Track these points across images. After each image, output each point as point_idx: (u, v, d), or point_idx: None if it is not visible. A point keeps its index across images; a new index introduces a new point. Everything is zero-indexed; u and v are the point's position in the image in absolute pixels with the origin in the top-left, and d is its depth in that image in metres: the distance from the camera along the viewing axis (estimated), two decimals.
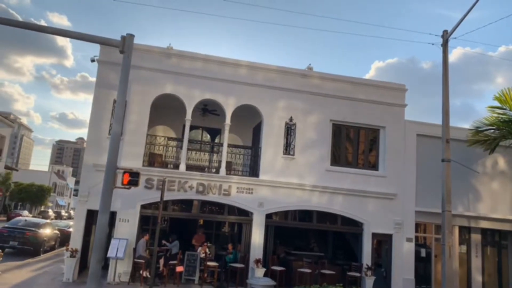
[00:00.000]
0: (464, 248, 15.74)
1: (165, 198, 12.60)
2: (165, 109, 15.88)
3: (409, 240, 14.73)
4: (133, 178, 9.09)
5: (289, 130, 14.55)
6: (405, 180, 15.10)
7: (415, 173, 15.20)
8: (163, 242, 14.02)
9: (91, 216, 13.19)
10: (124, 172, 9.19)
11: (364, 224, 14.60)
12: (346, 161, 15.11)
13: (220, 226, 18.03)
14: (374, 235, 14.60)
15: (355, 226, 14.74)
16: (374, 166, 15.27)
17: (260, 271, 12.83)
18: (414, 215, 14.96)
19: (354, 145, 15.31)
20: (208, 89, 14.16)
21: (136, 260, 12.60)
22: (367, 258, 14.29)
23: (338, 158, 15.09)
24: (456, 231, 15.47)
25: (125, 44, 8.45)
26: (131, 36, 8.52)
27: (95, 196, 11.86)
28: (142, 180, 12.09)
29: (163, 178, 12.18)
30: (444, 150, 11.90)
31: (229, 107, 14.28)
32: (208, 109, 15.89)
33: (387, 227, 14.66)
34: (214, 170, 14.84)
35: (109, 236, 13.43)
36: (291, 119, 14.62)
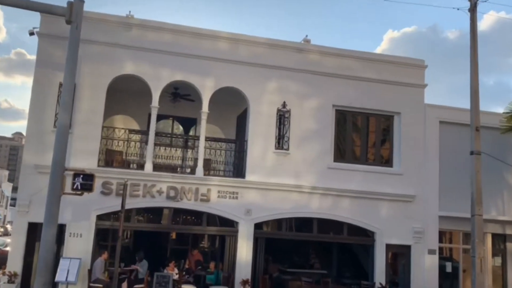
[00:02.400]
0: (498, 260, 15.99)
1: (127, 206, 12.56)
2: (125, 94, 15.80)
3: (431, 252, 14.93)
4: (86, 181, 9.27)
5: (282, 118, 14.69)
6: (425, 178, 15.25)
7: (438, 169, 15.38)
8: (132, 266, 13.96)
9: (34, 230, 12.99)
10: (75, 174, 9.25)
11: (376, 234, 14.79)
12: (352, 156, 15.28)
13: (198, 240, 18.07)
14: (389, 246, 14.81)
15: (365, 236, 14.95)
16: (387, 162, 15.48)
17: None
18: (438, 221, 15.16)
19: (362, 136, 15.48)
20: (180, 68, 14.15)
21: (92, 284, 12.53)
22: (380, 275, 14.50)
23: (343, 152, 15.27)
24: (489, 239, 15.68)
25: (73, 12, 8.39)
26: (80, 2, 8.46)
27: (38, 205, 11.73)
28: (97, 184, 11.84)
29: (125, 181, 12.21)
30: (473, 140, 12.09)
31: (206, 90, 14.34)
32: (179, 93, 15.84)
33: (405, 237, 14.83)
34: (188, 170, 14.91)
35: (57, 255, 13.06)
36: (284, 105, 14.73)
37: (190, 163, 15.32)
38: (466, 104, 13.54)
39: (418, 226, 14.97)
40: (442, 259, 15.34)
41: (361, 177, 14.88)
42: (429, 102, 15.87)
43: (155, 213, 14.37)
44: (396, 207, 14.90)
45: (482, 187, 12.16)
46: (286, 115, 14.68)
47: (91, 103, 13.49)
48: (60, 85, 12.42)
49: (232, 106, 16.64)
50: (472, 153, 12.15)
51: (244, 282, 13.23)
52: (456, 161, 15.26)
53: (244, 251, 13.88)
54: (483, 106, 13.12)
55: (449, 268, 15.43)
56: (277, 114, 14.67)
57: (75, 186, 9.25)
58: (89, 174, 9.43)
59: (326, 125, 14.93)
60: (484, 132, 13.52)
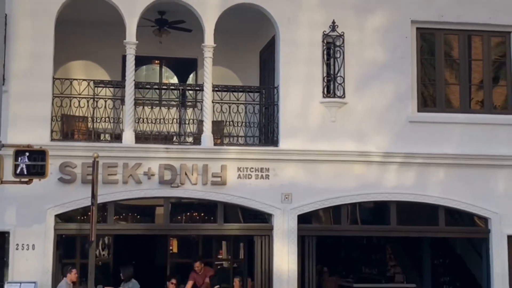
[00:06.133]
0: None
1: (102, 199, 12.71)
2: (84, 27, 15.99)
3: None
4: (36, 162, 9.73)
5: (332, 48, 14.65)
6: None
7: None
8: None
9: None
10: (17, 153, 9.68)
11: (492, 221, 14.76)
12: (447, 102, 15.33)
13: (212, 246, 18.27)
14: None
15: (473, 226, 15.15)
16: (504, 107, 15.48)
17: None
18: None
19: (462, 69, 15.33)
20: None
21: None
22: (501, 284, 14.47)
23: (431, 96, 15.34)
24: None
25: None
26: None
27: None
28: (54, 167, 12.16)
29: (94, 156, 11.98)
30: None
31: (209, 12, 14.31)
32: (167, 20, 16.00)
33: None
34: (191, 139, 14.99)
35: (1, 280, 13.47)
36: (333, 27, 14.61)
37: (193, 128, 15.27)
38: None
39: None
40: None
41: (462, 134, 14.88)
42: None
43: (144, 207, 14.74)
44: None
45: None
46: (338, 43, 14.59)
47: (33, 43, 13.55)
48: None
49: (252, 35, 16.82)
50: None
51: None
52: None
53: (285, 258, 13.97)
54: None
55: None
56: (323, 42, 14.61)
57: (18, 171, 9.72)
58: (39, 150, 9.95)
59: (402, 55, 14.83)
60: None
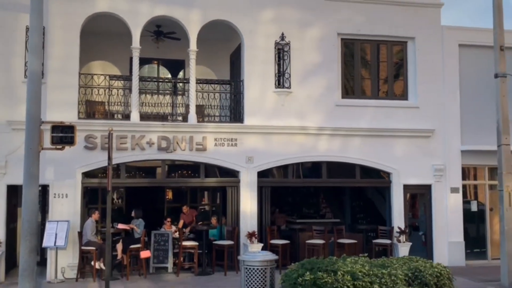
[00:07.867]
0: None
1: (116, 161, 12.82)
2: (102, 37, 15.78)
3: (454, 190, 15.20)
4: (67, 133, 9.54)
5: (281, 53, 14.64)
6: (445, 110, 15.44)
7: (459, 99, 15.45)
8: (131, 226, 14.11)
9: (15, 194, 13.40)
10: (53, 127, 9.49)
11: (392, 174, 15.09)
12: (362, 91, 15.47)
13: (196, 195, 18.55)
14: (407, 187, 15.14)
15: (379, 178, 15.38)
16: (402, 95, 15.69)
17: (255, 247, 13.27)
18: (460, 156, 15.35)
19: (372, 68, 15.53)
20: (160, 1, 14.03)
21: (83, 248, 12.78)
22: (398, 219, 14.85)
23: (351, 87, 15.39)
24: None
25: None
26: None
27: (16, 165, 11.89)
28: (80, 138, 12.18)
29: (109, 129, 11.92)
30: (498, 61, 11.98)
31: (192, 26, 14.28)
32: (162, 31, 15.86)
33: (424, 176, 15.14)
34: (180, 118, 15.06)
35: (43, 220, 13.75)
36: (282, 37, 14.64)
37: (181, 110, 15.33)
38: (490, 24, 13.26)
39: (438, 163, 15.20)
40: (467, 197, 15.77)
41: (372, 114, 15.04)
42: (447, 24, 15.85)
43: (147, 167, 14.79)
44: (413, 144, 15.12)
45: (509, 114, 12.14)
46: (286, 49, 14.61)
47: (64, 48, 13.46)
48: (27, 29, 12.31)
49: (224, 43, 16.64)
50: (496, 76, 12.02)
51: (250, 235, 13.53)
52: (479, 89, 15.43)
53: (248, 202, 14.22)
54: (508, 24, 13.00)
55: (474, 207, 15.71)
56: (275, 48, 14.60)
57: (54, 140, 9.51)
58: (69, 125, 9.67)
59: (331, 58, 14.92)
60: (510, 54, 13.65)
